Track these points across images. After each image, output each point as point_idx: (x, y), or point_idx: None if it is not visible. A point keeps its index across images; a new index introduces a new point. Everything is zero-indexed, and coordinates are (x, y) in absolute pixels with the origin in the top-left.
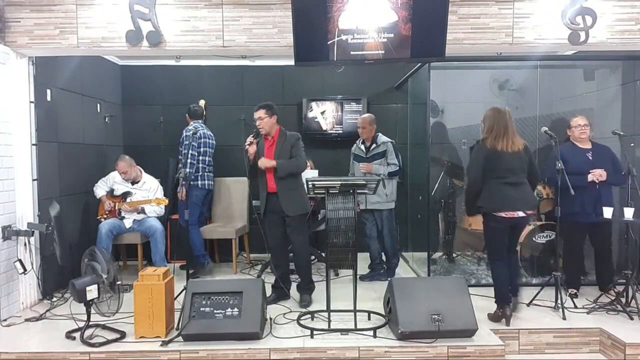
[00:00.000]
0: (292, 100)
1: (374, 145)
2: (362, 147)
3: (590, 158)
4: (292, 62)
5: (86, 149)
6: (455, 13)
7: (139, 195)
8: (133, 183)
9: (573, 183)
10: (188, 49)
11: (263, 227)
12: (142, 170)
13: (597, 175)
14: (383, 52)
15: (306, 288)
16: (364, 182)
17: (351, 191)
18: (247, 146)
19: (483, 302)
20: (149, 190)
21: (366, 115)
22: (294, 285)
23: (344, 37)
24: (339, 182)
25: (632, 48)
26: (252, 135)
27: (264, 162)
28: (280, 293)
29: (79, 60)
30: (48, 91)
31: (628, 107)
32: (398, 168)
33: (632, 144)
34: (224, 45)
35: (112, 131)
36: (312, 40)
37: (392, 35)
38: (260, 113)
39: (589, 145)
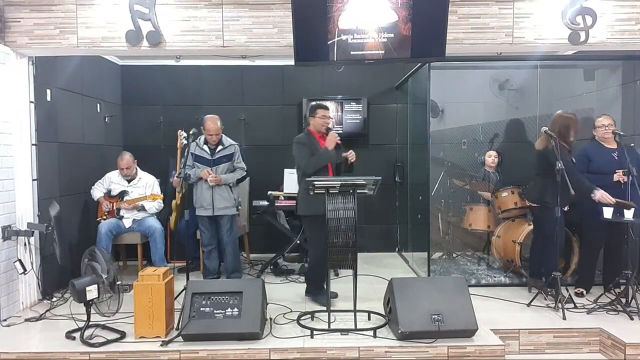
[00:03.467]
0: (292, 100)
1: (220, 147)
2: (206, 147)
3: (616, 158)
4: (292, 62)
5: (86, 149)
6: (455, 13)
7: (136, 193)
8: (129, 181)
9: (597, 182)
10: (188, 49)
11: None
12: (137, 168)
13: (623, 175)
14: (383, 52)
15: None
16: (364, 182)
17: (351, 191)
18: (338, 141)
19: (483, 302)
20: (145, 187)
21: (214, 117)
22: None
23: (344, 37)
24: (339, 182)
25: (632, 48)
26: (334, 131)
27: (353, 156)
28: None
29: (79, 60)
30: (48, 91)
31: (628, 107)
32: (245, 172)
33: (632, 144)
34: (224, 45)
35: (112, 131)
36: (312, 40)
37: (392, 35)
38: (329, 112)
39: (614, 145)
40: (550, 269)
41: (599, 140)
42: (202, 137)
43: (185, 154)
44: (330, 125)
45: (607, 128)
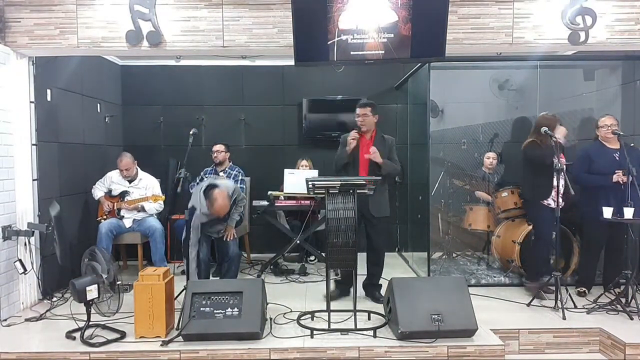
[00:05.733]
0: (292, 100)
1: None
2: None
3: (617, 158)
4: (292, 62)
5: (86, 149)
6: (455, 13)
7: (137, 194)
8: (130, 182)
9: (598, 182)
10: (188, 49)
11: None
12: (138, 169)
13: (623, 175)
14: (383, 52)
15: (379, 285)
16: (363, 182)
17: (351, 191)
18: (352, 140)
19: (483, 302)
20: (146, 188)
21: (223, 195)
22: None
23: (344, 37)
24: (339, 182)
25: (632, 48)
26: (356, 131)
27: (376, 156)
28: (345, 290)
29: (79, 60)
30: (48, 91)
31: (628, 107)
32: (245, 201)
33: (632, 144)
34: (224, 45)
35: (112, 131)
36: (312, 40)
37: (392, 35)
38: (366, 110)
39: (617, 145)
40: (539, 268)
41: (602, 140)
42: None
43: (193, 184)
44: (362, 125)
45: (609, 128)
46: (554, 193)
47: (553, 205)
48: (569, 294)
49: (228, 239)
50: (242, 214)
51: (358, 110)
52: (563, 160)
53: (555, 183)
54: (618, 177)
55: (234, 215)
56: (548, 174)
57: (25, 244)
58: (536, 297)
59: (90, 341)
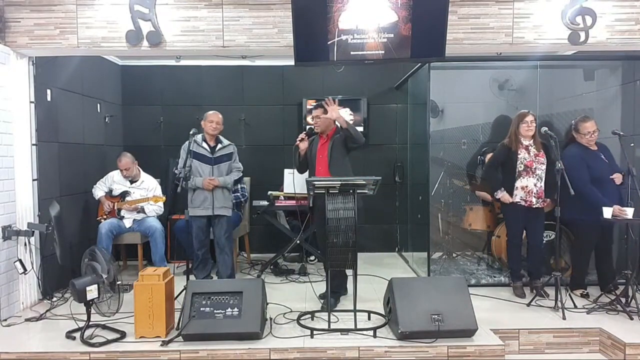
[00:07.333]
0: (292, 100)
1: (219, 146)
2: (206, 145)
3: (606, 160)
4: (292, 62)
5: (86, 149)
6: (455, 13)
7: (137, 195)
8: (132, 182)
9: (598, 188)
10: (188, 49)
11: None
12: (141, 170)
13: (617, 179)
14: (383, 52)
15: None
16: (363, 182)
17: (351, 191)
18: (298, 142)
19: (483, 302)
20: (147, 190)
21: (216, 111)
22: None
23: (344, 37)
24: (339, 182)
25: (632, 48)
26: (304, 132)
27: (333, 113)
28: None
29: (79, 60)
30: (48, 91)
31: (628, 107)
32: (241, 173)
33: (632, 144)
34: (224, 45)
35: (112, 131)
36: (312, 40)
37: (392, 35)
38: (318, 112)
39: (596, 147)
40: (512, 266)
41: (585, 144)
42: (200, 136)
43: (184, 154)
44: (316, 126)
45: (592, 135)
46: (523, 193)
47: (523, 204)
48: (569, 294)
49: (211, 181)
50: (242, 209)
51: (312, 112)
52: (539, 157)
53: (525, 183)
54: (619, 178)
55: (227, 177)
56: (509, 173)
57: (25, 244)
58: (516, 295)
59: (90, 341)
